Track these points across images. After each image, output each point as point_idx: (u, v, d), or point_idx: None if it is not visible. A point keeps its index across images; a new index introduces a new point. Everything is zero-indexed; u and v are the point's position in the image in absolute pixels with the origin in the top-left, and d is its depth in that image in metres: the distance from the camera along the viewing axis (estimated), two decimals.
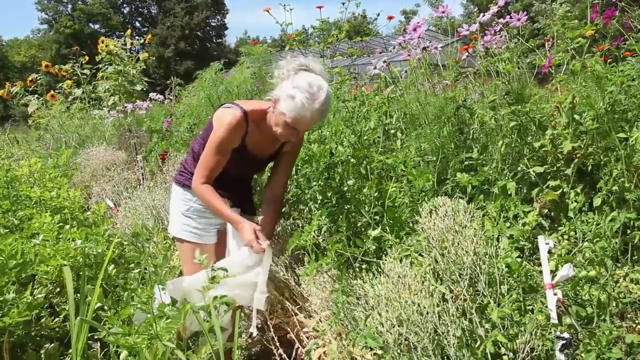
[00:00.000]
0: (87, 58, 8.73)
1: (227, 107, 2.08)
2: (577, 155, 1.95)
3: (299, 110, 1.89)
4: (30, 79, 8.61)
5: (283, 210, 2.76)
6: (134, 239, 2.17)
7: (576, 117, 1.98)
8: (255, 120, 2.07)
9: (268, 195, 2.25)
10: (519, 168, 2.16)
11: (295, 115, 1.90)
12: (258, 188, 2.99)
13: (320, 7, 4.01)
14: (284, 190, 2.31)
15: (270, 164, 2.34)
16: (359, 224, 2.33)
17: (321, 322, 1.87)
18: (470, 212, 1.61)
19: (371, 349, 1.58)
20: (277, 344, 1.93)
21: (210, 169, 2.06)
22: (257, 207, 2.59)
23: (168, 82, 7.48)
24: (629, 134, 1.83)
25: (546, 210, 2.05)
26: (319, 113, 1.92)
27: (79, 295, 1.71)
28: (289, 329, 2.06)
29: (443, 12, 2.38)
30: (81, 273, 1.76)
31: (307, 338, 1.95)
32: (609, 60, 2.20)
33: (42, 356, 1.75)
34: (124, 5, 46.08)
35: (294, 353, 2.01)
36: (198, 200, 2.24)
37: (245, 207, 2.31)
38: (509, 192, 2.06)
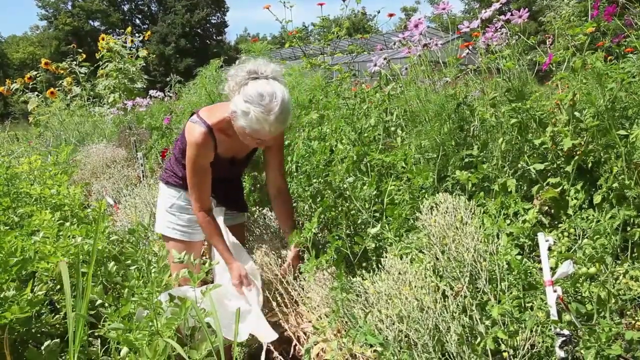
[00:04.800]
0: (84, 55, 8.72)
1: (193, 121, 2.06)
2: (578, 153, 1.95)
3: (255, 125, 1.86)
4: (28, 76, 8.60)
5: None
6: (129, 235, 2.18)
7: (576, 114, 1.98)
8: (222, 129, 2.06)
9: (272, 191, 2.25)
10: (519, 165, 2.16)
11: (253, 129, 1.88)
12: (258, 185, 2.99)
13: (321, 4, 4.00)
14: (284, 182, 2.31)
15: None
16: (358, 222, 2.33)
17: (321, 319, 1.87)
18: (471, 209, 1.62)
19: (371, 346, 1.58)
20: (271, 347, 1.93)
21: (198, 189, 2.08)
22: (265, 202, 2.59)
23: (168, 79, 7.47)
24: (629, 131, 1.83)
25: (546, 208, 2.04)
26: (278, 122, 1.88)
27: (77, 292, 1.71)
28: (287, 327, 2.06)
29: (444, 8, 2.37)
30: (82, 270, 1.76)
31: (306, 335, 1.95)
32: (609, 58, 2.20)
33: (43, 352, 1.75)
34: (124, 2, 46.01)
35: (292, 350, 2.01)
36: (181, 198, 2.26)
37: (230, 205, 2.32)
38: (509, 190, 2.06)
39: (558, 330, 1.38)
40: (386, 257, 1.59)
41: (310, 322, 1.91)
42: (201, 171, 2.06)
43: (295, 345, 1.96)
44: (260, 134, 1.90)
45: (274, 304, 2.12)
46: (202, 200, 2.08)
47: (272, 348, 1.91)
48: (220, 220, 2.19)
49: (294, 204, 2.66)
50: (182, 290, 1.80)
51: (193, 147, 2.03)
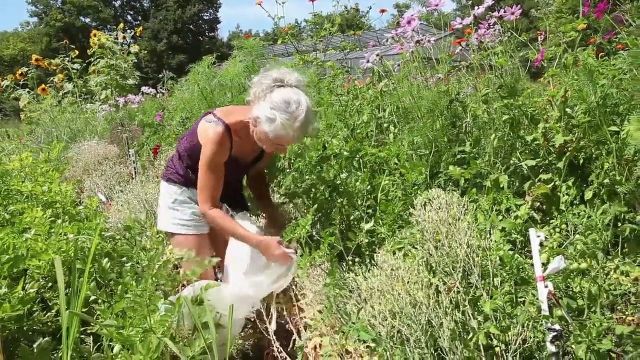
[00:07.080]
0: (77, 52, 8.65)
1: (209, 121, 2.07)
2: (569, 149, 1.96)
3: (280, 131, 1.91)
4: (20, 72, 8.52)
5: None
6: (126, 232, 2.17)
7: (568, 110, 1.99)
8: (237, 132, 2.09)
9: (255, 193, 2.43)
10: (511, 162, 2.17)
11: (277, 135, 1.92)
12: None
13: (313, 1, 4.00)
14: (265, 182, 2.48)
15: None
16: (352, 218, 2.33)
17: (315, 315, 1.87)
18: (464, 205, 1.62)
19: (364, 342, 1.58)
20: (274, 338, 1.93)
21: (212, 188, 2.07)
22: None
23: (160, 76, 7.43)
24: (620, 127, 1.85)
25: (538, 204, 2.06)
26: (302, 129, 1.94)
27: (71, 289, 1.70)
28: (289, 320, 2.06)
29: (437, 5, 2.37)
30: (77, 267, 1.75)
31: (305, 329, 1.95)
32: (601, 54, 2.21)
33: (35, 351, 1.74)
34: None
35: (291, 344, 2.01)
36: (183, 194, 2.28)
37: (233, 204, 2.35)
38: (502, 186, 2.07)
39: (549, 325, 1.39)
40: (379, 252, 1.59)
41: (306, 318, 1.92)
42: (217, 170, 2.07)
43: (295, 339, 1.97)
44: (284, 140, 1.95)
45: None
46: (213, 200, 2.09)
47: (273, 340, 1.92)
48: (246, 224, 2.21)
49: (287, 200, 2.66)
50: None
51: (211, 145, 2.03)
